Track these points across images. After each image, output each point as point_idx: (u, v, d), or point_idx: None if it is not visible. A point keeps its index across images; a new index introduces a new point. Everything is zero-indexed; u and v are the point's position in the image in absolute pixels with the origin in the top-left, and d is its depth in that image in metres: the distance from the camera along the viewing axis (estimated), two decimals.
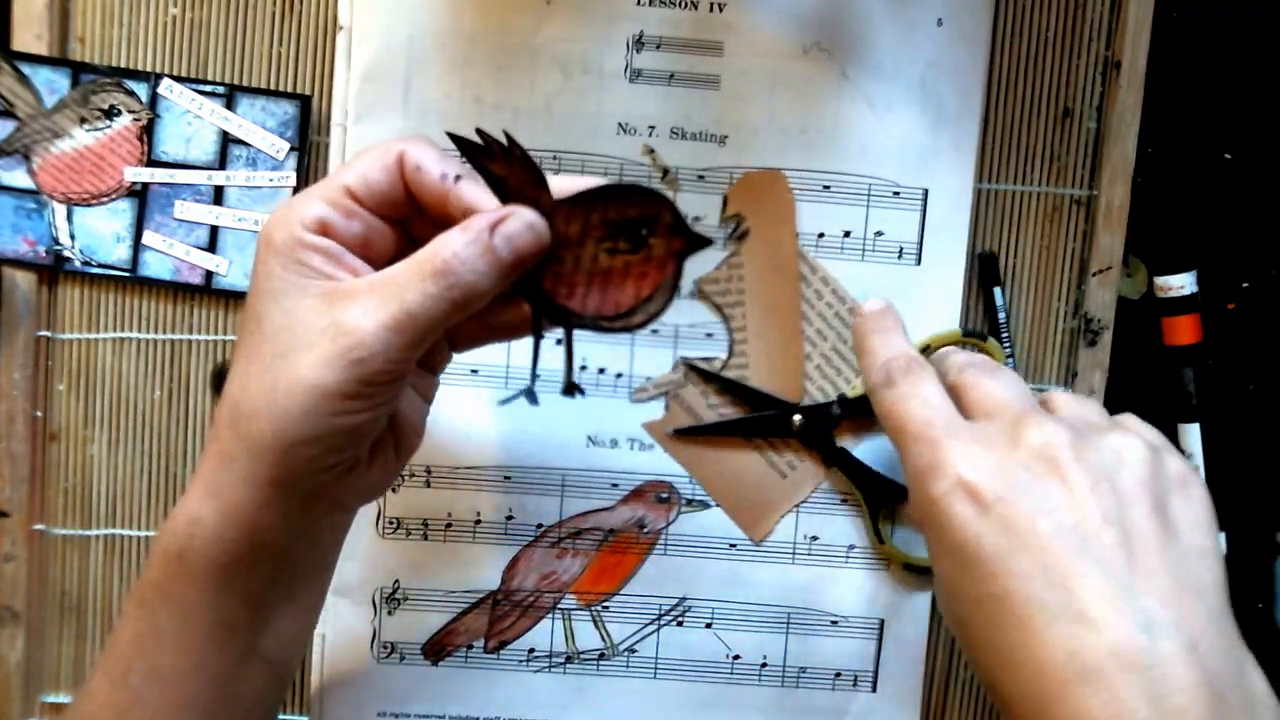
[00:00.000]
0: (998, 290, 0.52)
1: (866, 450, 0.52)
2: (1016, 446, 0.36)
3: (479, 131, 0.35)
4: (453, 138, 0.36)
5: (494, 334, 0.42)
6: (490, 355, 0.51)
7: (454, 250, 0.35)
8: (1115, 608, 0.32)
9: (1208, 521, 0.36)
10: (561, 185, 0.37)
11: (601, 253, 0.36)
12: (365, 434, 0.37)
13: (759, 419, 0.51)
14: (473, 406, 0.51)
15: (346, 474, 0.38)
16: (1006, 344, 0.52)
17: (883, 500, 0.51)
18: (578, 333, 0.38)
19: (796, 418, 0.51)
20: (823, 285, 0.51)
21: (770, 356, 0.51)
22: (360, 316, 0.34)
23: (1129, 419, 0.39)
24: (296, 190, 0.50)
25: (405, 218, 0.39)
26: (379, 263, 0.37)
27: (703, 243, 0.37)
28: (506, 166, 0.36)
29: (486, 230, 0.35)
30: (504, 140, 0.36)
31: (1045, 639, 0.32)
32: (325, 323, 0.35)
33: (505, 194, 0.36)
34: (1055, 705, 0.32)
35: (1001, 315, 0.52)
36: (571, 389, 0.39)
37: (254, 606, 0.38)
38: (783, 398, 0.51)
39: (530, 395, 0.39)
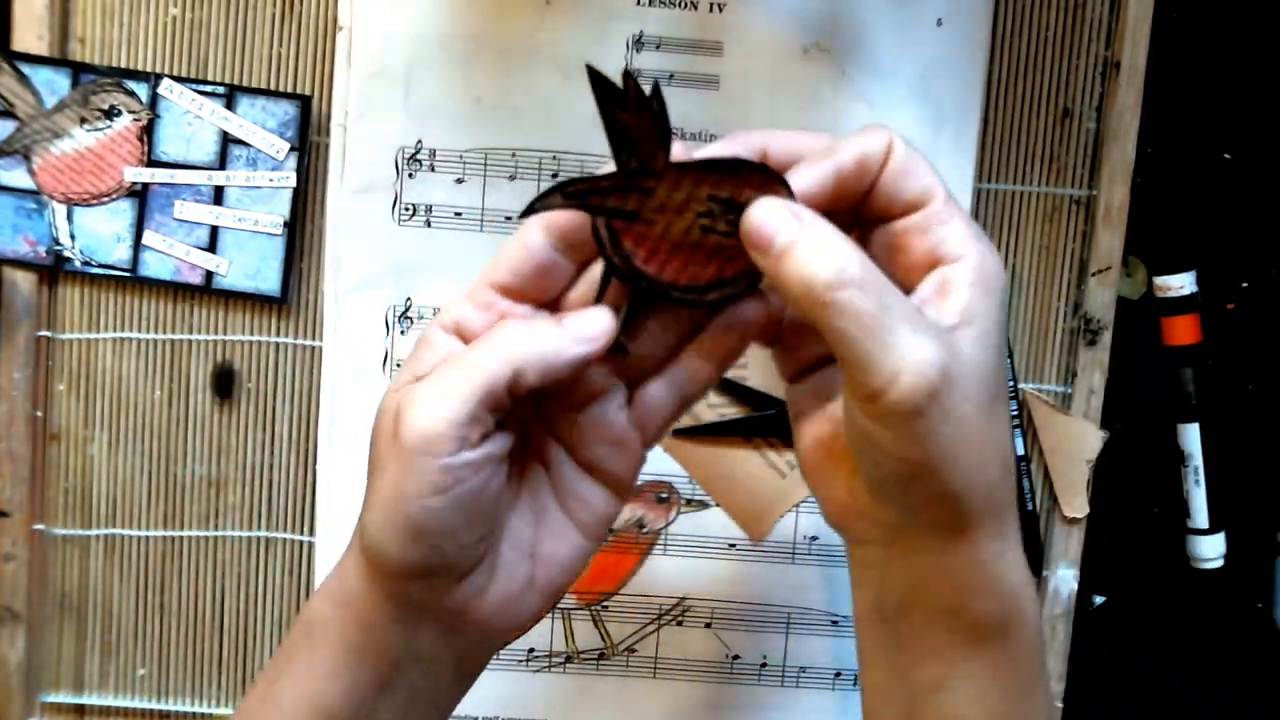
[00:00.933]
0: None
1: None
2: None
3: (625, 74, 0.34)
4: (591, 74, 0.33)
5: (662, 408, 0.38)
6: None
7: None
8: None
9: None
10: (682, 154, 0.35)
11: (697, 227, 0.34)
12: (444, 533, 0.34)
13: (759, 419, 0.51)
14: None
15: (453, 586, 0.36)
16: None
17: None
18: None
19: None
20: None
21: (770, 356, 0.51)
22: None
23: None
24: (296, 190, 0.50)
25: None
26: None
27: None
28: (634, 116, 0.34)
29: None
30: (646, 90, 0.34)
31: None
32: None
33: (622, 144, 0.35)
34: None
35: None
36: (617, 348, 0.36)
37: (357, 703, 0.37)
38: (782, 398, 0.51)
39: (617, 348, 0.36)
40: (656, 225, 0.34)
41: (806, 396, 0.37)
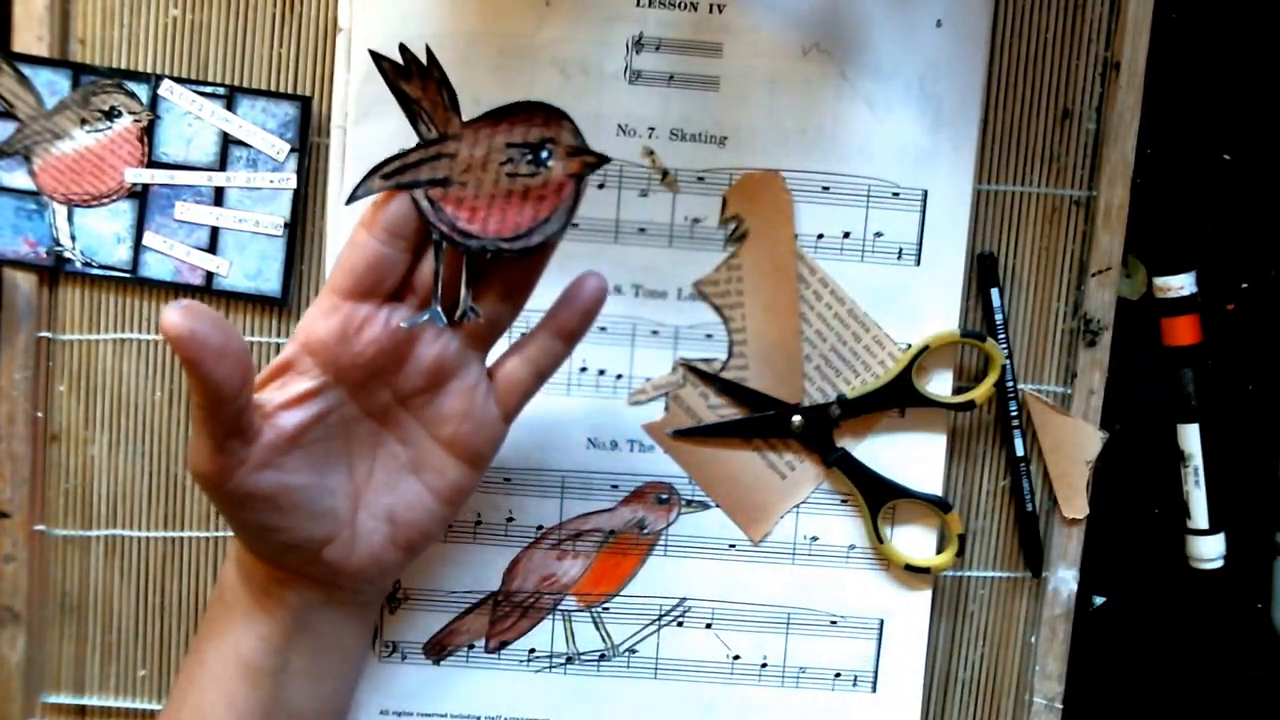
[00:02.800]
0: (994, 291, 0.52)
1: (866, 450, 0.52)
2: None
3: (401, 49, 0.37)
4: (373, 55, 0.37)
5: (516, 381, 0.44)
6: (491, 356, 0.51)
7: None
8: None
9: None
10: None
11: (503, 176, 0.37)
12: (269, 530, 0.40)
13: (759, 419, 0.51)
14: None
15: (315, 557, 0.42)
16: (1003, 344, 0.52)
17: (882, 500, 0.51)
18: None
19: (796, 418, 0.51)
20: (821, 286, 0.51)
21: (769, 357, 0.51)
22: None
23: None
24: (297, 191, 0.50)
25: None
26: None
27: (599, 162, 0.38)
28: (420, 88, 0.37)
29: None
30: (423, 59, 0.37)
31: None
32: None
33: (415, 116, 0.37)
34: None
35: (999, 316, 0.52)
36: (465, 314, 0.40)
37: (270, 651, 0.43)
38: (782, 399, 0.51)
39: (436, 315, 0.40)
40: (469, 185, 0.37)
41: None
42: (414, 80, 0.37)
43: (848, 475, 0.51)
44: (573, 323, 0.43)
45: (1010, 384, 0.52)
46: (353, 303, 0.40)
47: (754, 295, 0.51)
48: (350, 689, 0.48)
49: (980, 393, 0.51)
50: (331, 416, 0.41)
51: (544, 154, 0.37)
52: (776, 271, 0.51)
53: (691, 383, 0.51)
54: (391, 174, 0.38)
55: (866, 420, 0.51)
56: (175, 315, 0.35)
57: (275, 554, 0.42)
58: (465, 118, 0.39)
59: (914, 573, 0.52)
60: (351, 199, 0.39)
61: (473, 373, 0.43)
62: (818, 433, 0.51)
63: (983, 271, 0.52)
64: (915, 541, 0.52)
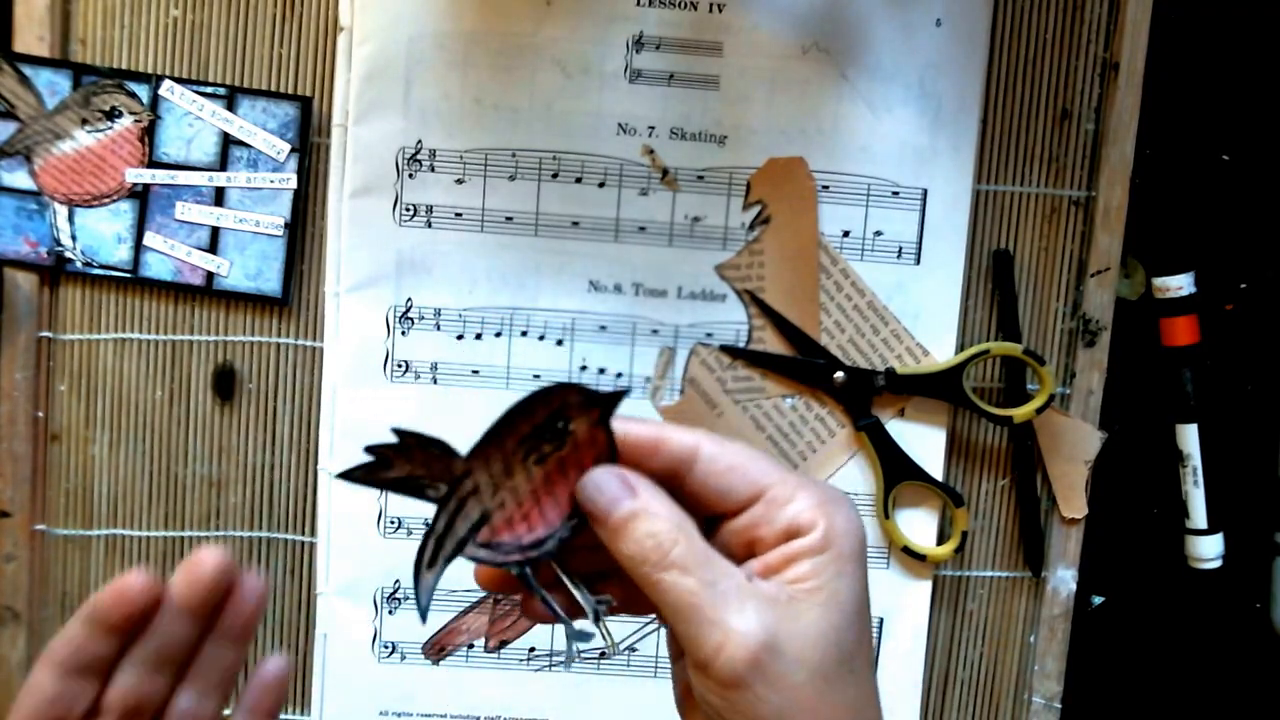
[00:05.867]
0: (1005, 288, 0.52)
1: (897, 427, 0.52)
2: None
3: (368, 450, 0.33)
4: (346, 477, 0.33)
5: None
6: (492, 356, 0.51)
7: None
8: None
9: None
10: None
11: (533, 468, 0.34)
12: None
13: (805, 363, 0.51)
14: (473, 407, 0.51)
15: None
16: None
17: (897, 479, 0.51)
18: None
19: (839, 374, 0.51)
20: (843, 277, 0.51)
21: (788, 343, 0.51)
22: None
23: None
24: (297, 191, 0.50)
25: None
26: None
27: (617, 397, 0.34)
28: (408, 463, 0.33)
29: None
30: (394, 439, 0.33)
31: None
32: None
33: (418, 489, 0.33)
34: None
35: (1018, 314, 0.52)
36: (597, 613, 0.36)
37: None
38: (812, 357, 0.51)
39: (578, 635, 0.37)
40: (507, 503, 0.34)
41: (677, 642, 0.36)
42: (397, 465, 0.33)
43: (874, 443, 0.51)
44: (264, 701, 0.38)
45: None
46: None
47: (775, 281, 0.51)
48: None
49: (1023, 412, 0.51)
50: None
51: (559, 424, 0.33)
52: (798, 257, 0.51)
53: (707, 367, 0.51)
54: (435, 556, 0.34)
55: (906, 398, 0.52)
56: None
57: None
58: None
59: (910, 557, 0.52)
60: (424, 614, 0.34)
61: None
62: (857, 396, 0.51)
63: (999, 269, 0.52)
64: (916, 530, 0.52)
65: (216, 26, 0.51)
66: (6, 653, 0.52)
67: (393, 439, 0.33)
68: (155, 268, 0.51)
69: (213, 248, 0.51)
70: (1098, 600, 0.56)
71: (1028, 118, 0.52)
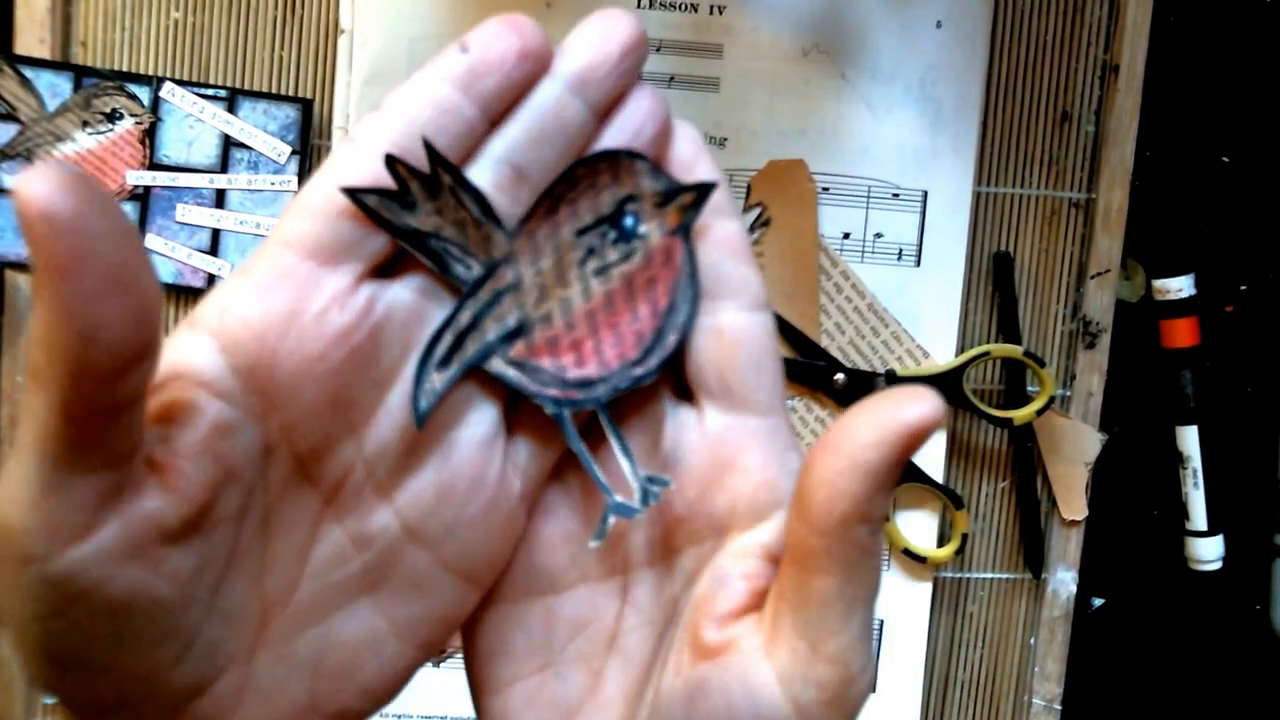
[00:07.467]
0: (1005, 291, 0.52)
1: None
2: None
3: (389, 161, 0.23)
4: (349, 194, 0.23)
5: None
6: None
7: None
8: None
9: None
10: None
11: (591, 279, 0.25)
12: (82, 663, 0.22)
13: (805, 365, 0.51)
14: None
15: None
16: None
17: (901, 479, 0.51)
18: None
19: (840, 376, 0.51)
20: (843, 279, 0.51)
21: (788, 344, 0.52)
22: None
23: None
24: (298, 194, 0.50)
25: None
26: None
27: (704, 194, 0.25)
28: (433, 211, 0.24)
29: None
30: (425, 164, 0.23)
31: None
32: None
33: (441, 257, 0.24)
34: None
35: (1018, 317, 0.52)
36: (646, 493, 0.25)
37: None
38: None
39: (619, 508, 0.25)
40: (554, 316, 0.25)
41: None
42: (421, 203, 0.23)
43: None
44: None
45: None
46: (321, 266, 0.23)
47: (775, 283, 0.51)
48: None
49: (1023, 414, 0.51)
50: (247, 477, 0.23)
51: (628, 221, 0.25)
52: (798, 259, 0.51)
53: None
54: (450, 355, 0.24)
55: None
56: (41, 184, 0.18)
57: (85, 711, 0.23)
58: (506, 216, 0.25)
59: (910, 559, 0.52)
60: (420, 420, 0.24)
61: (486, 418, 0.25)
62: (858, 397, 0.51)
63: (999, 271, 0.52)
64: (916, 532, 0.52)
65: (217, 29, 0.51)
66: (7, 653, 0.52)
67: (423, 161, 0.23)
68: (156, 270, 0.51)
69: (214, 250, 0.51)
70: (1098, 602, 0.56)
71: (1028, 120, 0.52)
